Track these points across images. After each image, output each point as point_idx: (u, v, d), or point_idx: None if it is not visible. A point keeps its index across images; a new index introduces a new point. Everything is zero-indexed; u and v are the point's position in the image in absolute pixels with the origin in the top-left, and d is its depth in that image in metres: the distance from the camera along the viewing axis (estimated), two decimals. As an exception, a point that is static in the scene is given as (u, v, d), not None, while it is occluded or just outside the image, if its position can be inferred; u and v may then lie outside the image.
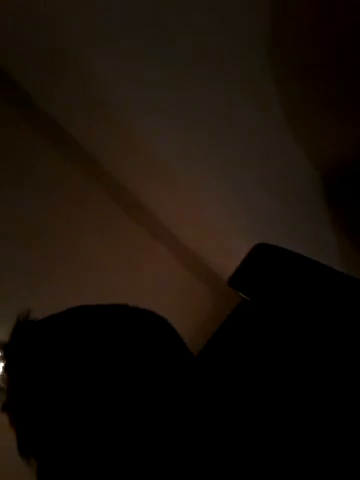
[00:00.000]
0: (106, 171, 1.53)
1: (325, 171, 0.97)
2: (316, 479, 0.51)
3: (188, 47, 0.88)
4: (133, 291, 1.54)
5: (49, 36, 1.10)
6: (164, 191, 1.45)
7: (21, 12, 1.09)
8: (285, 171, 1.06)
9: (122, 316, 0.62)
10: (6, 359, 0.59)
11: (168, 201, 1.51)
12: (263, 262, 0.64)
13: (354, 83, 0.78)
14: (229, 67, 0.86)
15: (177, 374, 0.56)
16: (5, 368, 0.59)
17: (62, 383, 0.54)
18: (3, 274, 1.44)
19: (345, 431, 0.52)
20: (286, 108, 0.87)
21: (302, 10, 0.66)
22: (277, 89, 0.83)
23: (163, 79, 1.00)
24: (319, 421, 0.53)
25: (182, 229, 1.61)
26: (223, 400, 0.57)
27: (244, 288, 0.63)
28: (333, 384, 0.54)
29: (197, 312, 1.63)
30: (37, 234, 1.49)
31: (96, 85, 1.16)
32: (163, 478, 0.50)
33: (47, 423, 0.54)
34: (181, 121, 1.09)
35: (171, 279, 1.64)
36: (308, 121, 0.89)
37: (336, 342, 0.54)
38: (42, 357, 0.57)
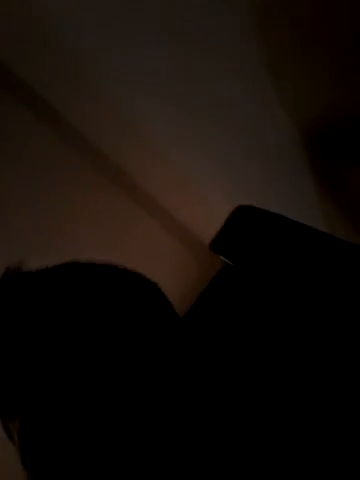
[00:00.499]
0: (90, 141, 1.51)
1: (307, 132, 0.97)
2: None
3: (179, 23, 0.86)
4: (117, 255, 1.53)
5: (40, 16, 1.06)
6: (146, 157, 1.43)
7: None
8: (267, 133, 1.05)
9: (116, 276, 0.60)
10: None
11: (150, 167, 1.50)
12: (244, 224, 0.63)
13: (335, 44, 0.77)
14: (213, 34, 0.84)
15: (166, 337, 0.55)
16: None
17: (46, 339, 0.52)
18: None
19: (333, 390, 0.52)
20: (266, 70, 0.86)
21: None
22: (257, 52, 0.82)
23: (154, 56, 0.98)
24: (306, 383, 0.53)
25: (164, 195, 1.60)
26: (211, 365, 0.56)
27: (225, 252, 0.62)
28: (319, 346, 0.54)
29: (181, 278, 1.63)
30: (30, 211, 1.47)
31: (91, 67, 1.13)
32: (151, 445, 0.49)
33: (28, 380, 0.52)
34: (165, 89, 1.07)
35: (155, 245, 1.63)
36: (289, 83, 0.88)
37: (321, 302, 0.54)
38: (27, 311, 0.55)
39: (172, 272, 1.64)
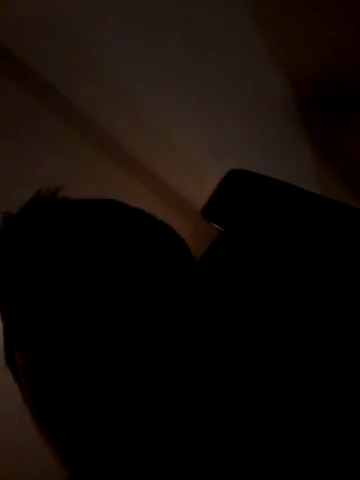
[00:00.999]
0: (80, 111, 1.49)
1: (299, 93, 0.95)
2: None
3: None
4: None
5: None
6: (137, 126, 1.41)
7: None
8: (258, 94, 1.03)
9: (152, 225, 0.61)
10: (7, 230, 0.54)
11: (142, 136, 1.48)
12: (236, 189, 0.61)
13: (328, 5, 0.75)
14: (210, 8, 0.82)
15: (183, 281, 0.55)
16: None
17: (60, 275, 0.50)
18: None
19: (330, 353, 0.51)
20: (256, 29, 0.83)
21: None
22: (247, 11, 0.79)
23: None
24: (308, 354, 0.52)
25: (157, 163, 1.58)
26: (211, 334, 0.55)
27: (218, 219, 0.60)
28: (318, 311, 0.53)
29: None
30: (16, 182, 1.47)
31: (85, 37, 1.10)
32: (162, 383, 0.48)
33: (44, 310, 0.50)
34: (149, 49, 1.04)
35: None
36: (279, 42, 0.86)
37: (319, 267, 0.52)
38: (49, 239, 0.52)
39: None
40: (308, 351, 0.52)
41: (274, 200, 0.56)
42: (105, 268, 0.50)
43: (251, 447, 0.48)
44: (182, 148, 1.38)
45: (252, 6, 0.81)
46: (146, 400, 0.48)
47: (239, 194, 0.60)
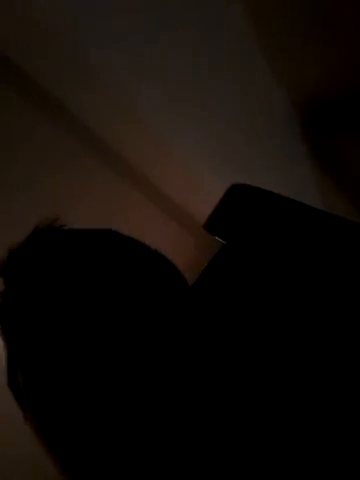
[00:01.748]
0: (82, 123, 1.50)
1: (301, 106, 0.95)
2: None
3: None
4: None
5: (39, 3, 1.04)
6: (139, 137, 1.42)
7: None
8: (260, 108, 1.04)
9: (146, 254, 0.63)
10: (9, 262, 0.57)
11: (144, 147, 1.49)
12: (239, 203, 0.61)
13: (330, 16, 0.75)
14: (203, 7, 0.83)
15: (177, 305, 0.56)
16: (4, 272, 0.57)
17: (61, 302, 0.53)
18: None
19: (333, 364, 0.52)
20: (259, 43, 0.84)
21: None
22: (250, 24, 0.80)
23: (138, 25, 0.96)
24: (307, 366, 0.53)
25: (158, 175, 1.59)
26: (212, 347, 0.56)
27: (220, 232, 0.61)
28: (317, 329, 0.53)
29: (178, 258, 1.63)
30: (28, 195, 1.47)
31: (88, 51, 1.12)
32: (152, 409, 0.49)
33: (37, 337, 0.52)
34: (155, 63, 1.06)
35: (150, 226, 1.62)
36: (282, 55, 0.87)
37: (320, 280, 0.53)
38: (50, 270, 0.55)
39: (169, 254, 1.64)
40: (306, 358, 0.52)
41: (275, 214, 0.57)
42: (100, 296, 0.52)
43: (251, 447, 0.49)
44: (185, 162, 1.39)
45: (255, 23, 0.82)
46: (144, 411, 0.49)
47: (241, 208, 0.61)
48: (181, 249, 1.68)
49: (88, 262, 0.56)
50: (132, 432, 0.48)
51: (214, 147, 1.23)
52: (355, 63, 0.83)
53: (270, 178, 1.13)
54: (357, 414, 0.49)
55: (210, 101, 1.08)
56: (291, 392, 0.51)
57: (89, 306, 0.52)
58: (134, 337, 0.51)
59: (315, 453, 0.49)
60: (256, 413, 0.50)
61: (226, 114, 1.09)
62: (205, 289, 0.69)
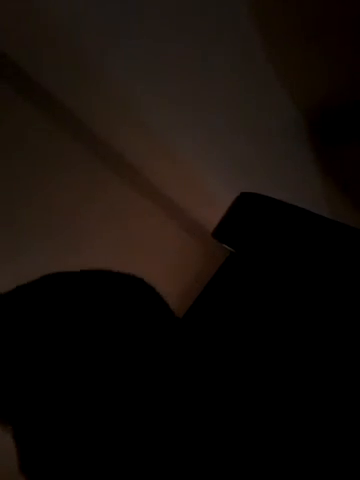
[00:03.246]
0: (88, 129, 1.51)
1: (308, 113, 0.96)
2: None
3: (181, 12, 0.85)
4: (120, 246, 1.54)
5: (41, 6, 1.06)
6: (147, 146, 1.43)
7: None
8: (268, 116, 1.04)
9: (100, 282, 0.59)
10: None
11: (151, 155, 1.50)
12: (247, 212, 0.62)
13: (337, 22, 0.76)
14: (210, 8, 0.84)
15: (164, 340, 0.55)
16: None
17: (38, 355, 0.52)
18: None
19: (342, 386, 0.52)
20: (266, 49, 0.85)
21: None
22: (257, 30, 0.81)
23: (156, 46, 0.97)
24: (316, 375, 0.53)
25: (166, 183, 1.59)
26: (215, 357, 0.56)
27: (229, 240, 0.62)
28: (325, 334, 0.54)
29: (186, 266, 1.63)
30: (32, 202, 1.47)
31: (93, 56, 1.12)
32: (149, 447, 0.49)
33: (22, 392, 0.52)
34: (162, 73, 1.06)
35: (159, 234, 1.63)
36: (289, 63, 0.87)
37: (327, 289, 0.53)
38: (14, 329, 0.55)
39: (177, 262, 1.65)
40: (309, 363, 0.53)
41: (283, 223, 0.58)
42: (80, 341, 0.52)
43: (251, 448, 0.49)
44: (193, 170, 1.40)
45: (262, 31, 0.83)
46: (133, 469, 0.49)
47: (250, 216, 0.61)
48: (189, 256, 1.68)
49: (59, 308, 0.55)
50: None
51: (222, 156, 1.24)
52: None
53: (277, 186, 1.14)
54: (355, 417, 0.50)
55: (220, 112, 1.09)
56: (291, 395, 0.52)
57: (69, 351, 0.52)
58: (121, 362, 0.51)
59: (315, 453, 0.49)
60: (256, 414, 0.51)
61: (235, 124, 1.09)
62: (214, 296, 0.70)
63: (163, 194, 1.62)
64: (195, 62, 0.97)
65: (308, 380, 0.52)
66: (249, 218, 0.61)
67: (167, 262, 1.61)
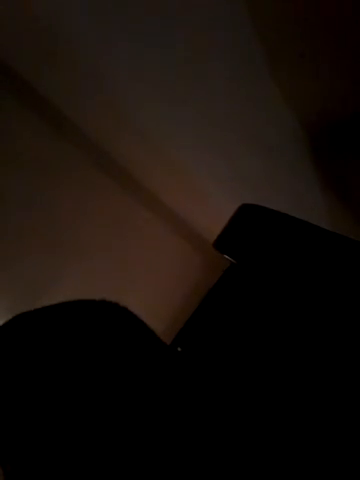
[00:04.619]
0: (91, 139, 1.51)
1: (308, 125, 0.96)
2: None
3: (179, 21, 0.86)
4: (120, 257, 1.54)
5: (39, 13, 1.06)
6: (149, 157, 1.43)
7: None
8: (269, 129, 1.05)
9: (72, 314, 0.58)
10: None
11: (153, 166, 1.50)
12: (248, 223, 0.63)
13: (339, 36, 0.76)
14: (211, 22, 0.84)
15: (152, 365, 0.54)
16: None
17: (32, 391, 0.52)
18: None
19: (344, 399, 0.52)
20: (268, 63, 0.85)
21: None
22: (259, 44, 0.81)
23: (155, 56, 0.98)
24: (317, 387, 0.53)
25: (167, 193, 1.60)
26: (214, 367, 0.56)
27: (230, 251, 0.62)
28: (325, 346, 0.54)
29: (187, 276, 1.63)
30: (32, 210, 1.48)
31: (92, 65, 1.13)
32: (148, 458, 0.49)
33: (17, 430, 0.51)
34: (164, 87, 1.07)
35: (159, 244, 1.63)
36: (291, 76, 0.88)
37: (328, 301, 0.54)
38: (10, 354, 0.55)
39: (178, 271, 1.65)
40: (309, 371, 0.53)
41: (284, 234, 0.58)
42: (60, 376, 0.51)
43: (251, 448, 0.49)
44: (195, 181, 1.40)
45: (263, 42, 0.83)
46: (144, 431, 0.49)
47: (251, 228, 0.62)
48: (189, 266, 1.68)
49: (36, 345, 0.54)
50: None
51: (224, 167, 1.24)
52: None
53: (278, 197, 1.14)
54: (355, 418, 0.50)
55: (222, 124, 1.09)
56: (291, 398, 0.52)
57: (57, 384, 0.51)
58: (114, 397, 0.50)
59: (315, 454, 0.49)
60: (256, 415, 0.51)
61: (236, 136, 1.10)
62: (213, 306, 0.70)
63: (164, 204, 1.63)
64: (196, 74, 0.98)
65: (307, 393, 0.52)
66: (250, 229, 0.62)
67: (167, 272, 1.62)
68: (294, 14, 0.74)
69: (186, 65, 0.96)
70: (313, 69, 0.86)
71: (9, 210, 1.44)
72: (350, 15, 0.73)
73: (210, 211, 1.49)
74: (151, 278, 1.58)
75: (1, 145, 1.43)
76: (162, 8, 0.87)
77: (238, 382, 0.54)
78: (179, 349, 0.65)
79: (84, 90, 1.29)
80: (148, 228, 1.62)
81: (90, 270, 1.49)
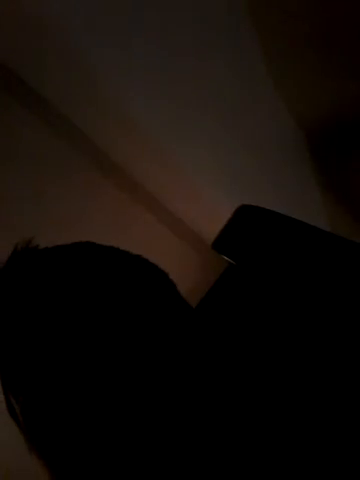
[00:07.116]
0: (88, 138, 1.51)
1: (308, 127, 0.96)
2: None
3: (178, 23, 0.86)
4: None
5: (37, 14, 1.06)
6: (148, 158, 1.43)
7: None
8: (269, 131, 1.05)
9: (127, 261, 0.62)
10: None
11: (151, 167, 1.50)
12: (247, 224, 0.63)
13: (339, 40, 0.76)
14: (212, 27, 0.84)
15: (178, 327, 0.54)
16: None
17: (52, 324, 0.52)
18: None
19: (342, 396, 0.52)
20: (268, 67, 0.86)
21: None
22: (259, 47, 0.81)
23: (144, 43, 0.97)
24: (317, 383, 0.53)
25: (166, 194, 1.60)
26: (216, 364, 0.56)
27: (228, 251, 0.62)
28: (324, 347, 0.54)
29: (185, 276, 1.63)
30: (31, 210, 1.47)
31: (90, 65, 1.13)
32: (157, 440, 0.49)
33: (35, 357, 0.52)
34: (164, 86, 1.07)
35: (157, 244, 1.63)
36: (290, 80, 0.88)
37: (327, 302, 0.54)
38: (34, 292, 0.54)
39: (176, 271, 1.64)
40: (308, 370, 0.53)
41: (282, 235, 0.58)
42: (89, 307, 0.52)
43: (251, 448, 0.49)
44: (194, 182, 1.40)
45: (263, 45, 0.83)
46: (145, 418, 0.49)
47: (249, 228, 0.62)
48: (188, 267, 1.68)
49: (73, 276, 0.55)
50: (133, 446, 0.48)
51: (223, 168, 1.24)
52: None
53: (277, 198, 1.14)
54: (355, 418, 0.50)
55: (221, 125, 1.09)
56: (291, 396, 0.52)
57: (79, 319, 0.51)
58: (131, 344, 0.51)
59: (315, 454, 0.49)
60: (256, 415, 0.51)
61: (235, 137, 1.10)
62: (212, 306, 0.70)
63: (162, 205, 1.62)
64: (196, 76, 0.98)
65: (307, 393, 0.52)
66: (248, 230, 0.62)
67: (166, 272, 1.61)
68: (296, 14, 0.74)
69: (186, 65, 0.96)
70: (313, 70, 0.86)
71: (9, 210, 1.44)
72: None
73: (208, 212, 1.49)
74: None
75: (1, 145, 1.42)
76: (162, 8, 0.87)
77: (238, 382, 0.54)
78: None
79: (84, 90, 1.29)
80: (146, 229, 1.61)
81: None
